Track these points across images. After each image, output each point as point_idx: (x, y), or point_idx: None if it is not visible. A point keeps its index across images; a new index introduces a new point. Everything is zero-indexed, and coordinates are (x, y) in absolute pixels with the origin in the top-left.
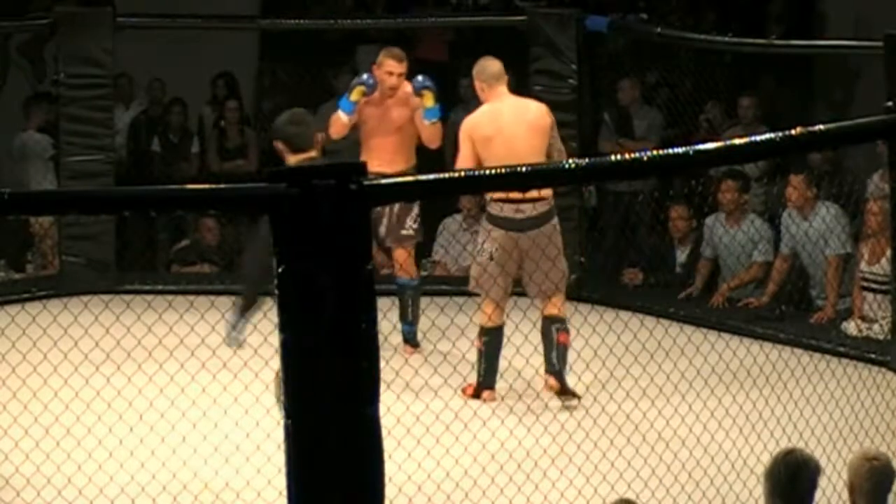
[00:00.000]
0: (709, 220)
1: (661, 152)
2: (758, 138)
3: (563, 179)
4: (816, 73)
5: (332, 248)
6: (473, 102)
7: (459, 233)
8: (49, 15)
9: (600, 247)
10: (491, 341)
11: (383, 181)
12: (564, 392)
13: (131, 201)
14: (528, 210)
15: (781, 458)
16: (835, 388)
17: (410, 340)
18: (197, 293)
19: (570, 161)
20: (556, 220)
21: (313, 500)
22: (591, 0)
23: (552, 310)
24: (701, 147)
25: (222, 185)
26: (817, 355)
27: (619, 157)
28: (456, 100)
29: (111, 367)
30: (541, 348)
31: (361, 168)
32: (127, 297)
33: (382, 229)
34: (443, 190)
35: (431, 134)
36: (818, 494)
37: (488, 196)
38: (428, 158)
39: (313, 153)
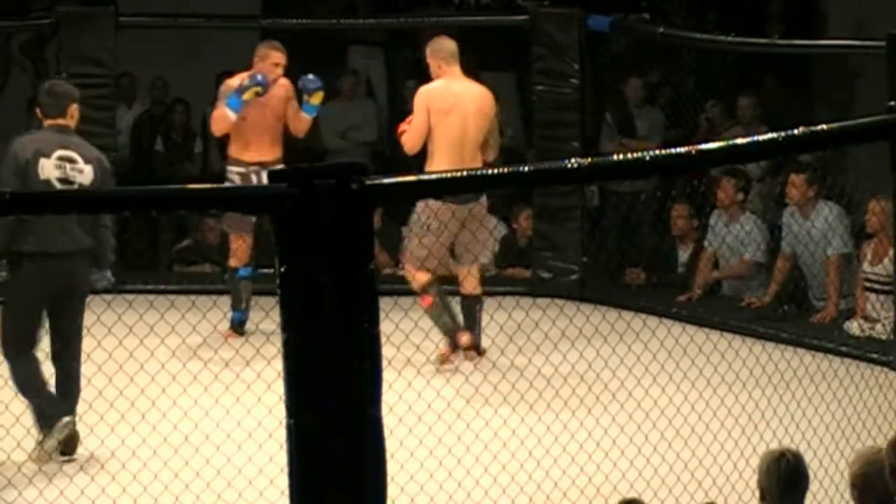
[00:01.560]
0: (713, 216)
1: (663, 152)
2: (760, 138)
3: (565, 179)
4: (816, 73)
5: (334, 248)
6: None
7: None
8: (51, 14)
9: (602, 247)
10: (438, 292)
11: (385, 181)
12: (473, 348)
13: (133, 201)
14: None
15: (779, 459)
16: (837, 388)
17: None
18: (199, 293)
19: (573, 161)
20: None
21: (315, 500)
22: None
23: (472, 288)
24: (703, 147)
25: (224, 185)
26: (819, 355)
27: (621, 156)
28: None
29: (113, 366)
30: (544, 347)
31: (363, 168)
32: (129, 297)
33: None
34: (445, 189)
35: (305, 125)
36: (821, 494)
37: (431, 169)
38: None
39: (61, 121)
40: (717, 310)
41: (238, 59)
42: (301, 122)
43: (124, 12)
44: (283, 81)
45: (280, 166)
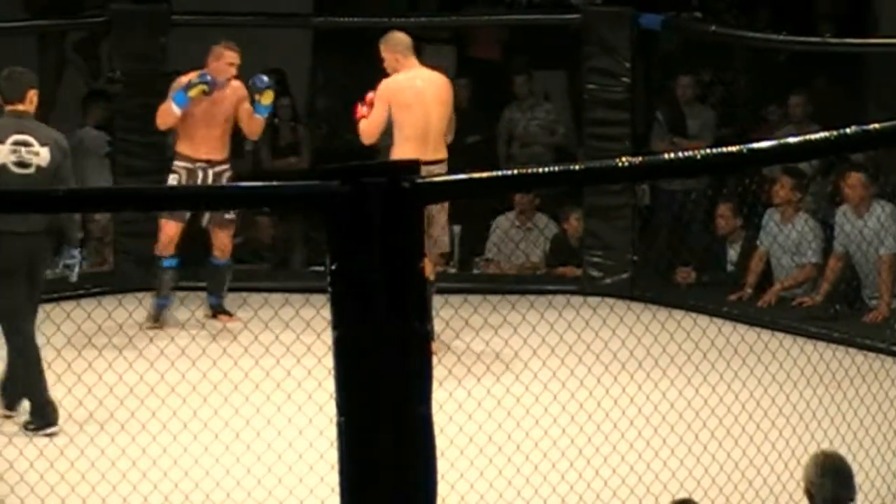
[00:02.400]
0: (766, 214)
1: (714, 151)
2: (812, 137)
3: (616, 178)
4: (867, 72)
5: (384, 246)
6: (529, 101)
7: (512, 230)
8: (104, 13)
9: (653, 245)
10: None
11: (434, 179)
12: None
13: (185, 199)
14: (434, 170)
15: (818, 455)
16: (889, 388)
17: (222, 309)
18: (250, 290)
19: (624, 159)
20: None
21: (366, 498)
22: None
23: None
24: (754, 146)
25: (275, 183)
26: (871, 355)
27: (672, 155)
28: (510, 97)
29: (165, 363)
30: (594, 346)
31: (414, 166)
32: (181, 294)
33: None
34: (495, 188)
35: (258, 127)
36: (872, 494)
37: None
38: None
39: (20, 107)
40: (767, 309)
41: (290, 57)
42: (254, 123)
43: (177, 10)
44: (236, 83)
45: (227, 167)
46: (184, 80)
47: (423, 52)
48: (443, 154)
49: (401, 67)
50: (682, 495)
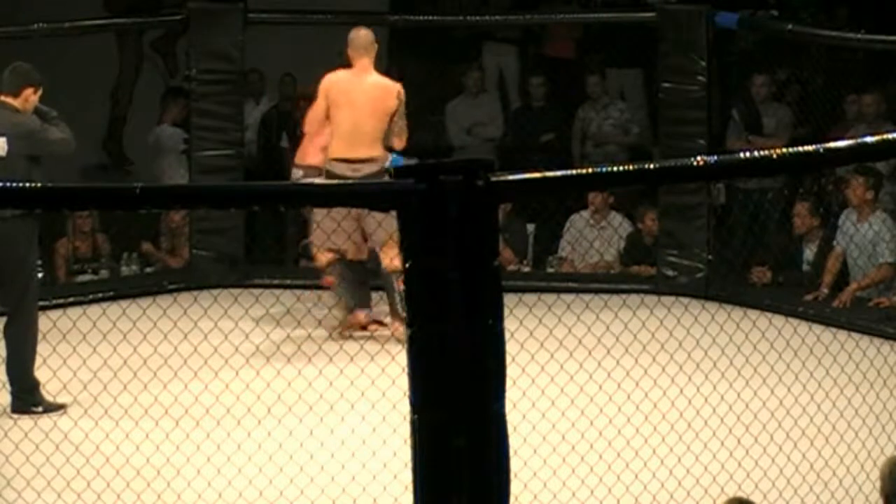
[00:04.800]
0: (843, 214)
1: (790, 150)
2: (889, 136)
3: (691, 176)
4: None
5: (460, 244)
6: (602, 100)
7: (586, 229)
8: (182, 11)
9: (728, 244)
10: (338, 273)
11: (510, 177)
12: (371, 324)
13: (260, 196)
14: (364, 169)
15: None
16: None
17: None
18: (325, 288)
19: (699, 158)
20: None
21: (439, 496)
22: None
23: (387, 263)
24: (831, 145)
25: (350, 181)
26: None
27: (748, 154)
28: (583, 97)
29: (240, 360)
30: (668, 346)
31: (489, 165)
32: (256, 291)
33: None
34: (570, 187)
35: None
36: None
37: (329, 156)
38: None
39: (9, 99)
40: (844, 309)
41: None
42: None
43: (253, 8)
44: None
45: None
46: None
47: (484, 48)
48: (376, 152)
49: (353, 64)
50: (755, 497)
